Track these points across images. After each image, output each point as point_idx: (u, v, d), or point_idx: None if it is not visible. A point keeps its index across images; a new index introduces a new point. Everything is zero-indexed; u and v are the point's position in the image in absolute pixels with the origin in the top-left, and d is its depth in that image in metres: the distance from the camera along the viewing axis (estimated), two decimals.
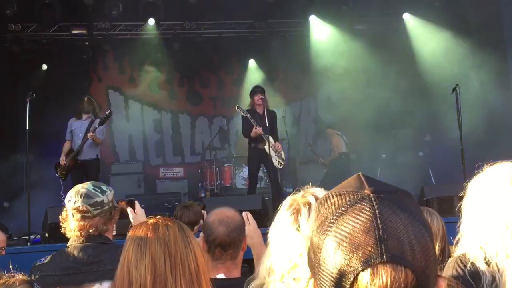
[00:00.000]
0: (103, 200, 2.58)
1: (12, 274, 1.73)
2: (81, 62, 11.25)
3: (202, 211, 4.26)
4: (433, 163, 10.36)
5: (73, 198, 2.56)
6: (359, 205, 0.83)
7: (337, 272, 0.80)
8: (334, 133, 10.46)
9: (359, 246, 0.79)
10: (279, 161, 7.74)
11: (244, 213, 2.52)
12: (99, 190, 2.60)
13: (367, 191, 0.85)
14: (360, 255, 0.79)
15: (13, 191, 8.60)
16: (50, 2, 10.07)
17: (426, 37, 10.55)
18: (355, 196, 0.85)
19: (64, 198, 2.66)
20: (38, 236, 6.27)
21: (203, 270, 1.61)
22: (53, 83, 10.61)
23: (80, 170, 7.62)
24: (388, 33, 11.33)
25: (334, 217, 0.83)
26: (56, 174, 7.72)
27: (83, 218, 2.53)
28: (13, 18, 10.09)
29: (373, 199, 0.83)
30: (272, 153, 7.60)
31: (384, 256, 0.78)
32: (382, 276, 0.78)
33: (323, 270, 0.83)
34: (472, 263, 1.67)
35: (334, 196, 0.87)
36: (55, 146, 9.05)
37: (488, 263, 1.64)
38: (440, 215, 2.77)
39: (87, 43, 11.17)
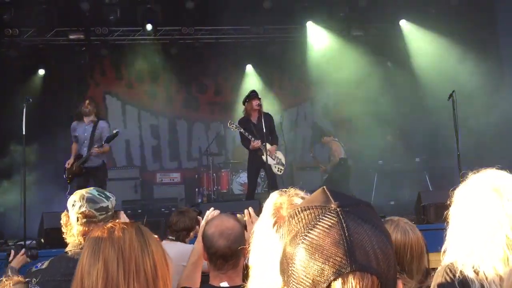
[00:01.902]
0: (108, 205, 2.59)
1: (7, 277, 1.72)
2: (78, 67, 11.23)
3: (198, 217, 4.26)
4: (429, 169, 10.37)
5: (77, 203, 2.54)
6: (328, 219, 0.90)
7: (311, 282, 0.87)
8: (331, 139, 10.44)
9: (330, 258, 0.87)
10: (278, 168, 7.75)
11: (246, 211, 2.51)
12: (103, 196, 2.61)
13: (333, 205, 0.92)
14: (331, 266, 0.86)
15: (8, 195, 8.56)
16: (48, 7, 10.07)
17: (422, 43, 10.59)
18: (323, 211, 0.91)
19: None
20: (34, 241, 6.24)
21: (162, 275, 1.54)
22: (50, 88, 10.58)
23: (84, 177, 7.46)
24: (385, 40, 11.38)
25: (305, 232, 0.90)
26: (64, 176, 7.60)
27: (88, 223, 2.52)
28: (10, 22, 10.08)
29: (339, 213, 0.90)
30: (271, 161, 7.60)
31: (353, 266, 0.86)
32: (352, 284, 0.86)
33: (296, 279, 0.89)
34: (461, 271, 1.69)
35: (303, 211, 0.94)
36: (51, 151, 9.04)
37: (476, 271, 1.66)
38: (437, 222, 2.77)
39: (84, 48, 11.16)
